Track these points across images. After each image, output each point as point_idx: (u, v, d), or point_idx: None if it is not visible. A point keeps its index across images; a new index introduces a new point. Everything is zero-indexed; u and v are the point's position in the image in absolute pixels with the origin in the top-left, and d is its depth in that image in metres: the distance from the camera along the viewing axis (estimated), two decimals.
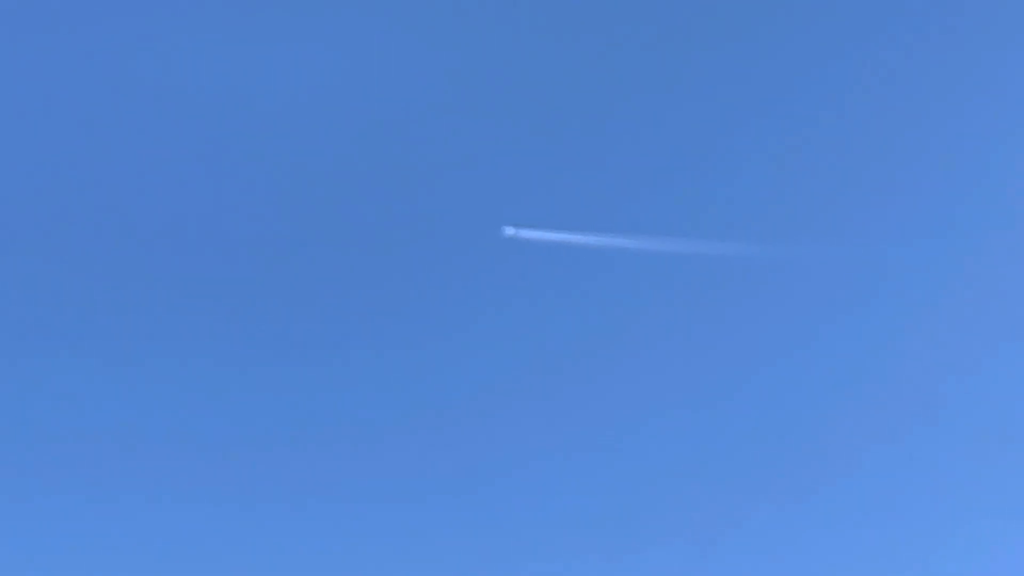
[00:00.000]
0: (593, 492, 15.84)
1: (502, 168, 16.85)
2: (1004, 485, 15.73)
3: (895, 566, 15.39)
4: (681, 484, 15.92)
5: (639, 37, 17.28)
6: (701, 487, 15.91)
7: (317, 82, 16.91)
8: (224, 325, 16.27)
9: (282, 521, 15.59)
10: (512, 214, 16.53)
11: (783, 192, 17.00)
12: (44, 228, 16.44)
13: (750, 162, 17.09)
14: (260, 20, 16.94)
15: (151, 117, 16.74)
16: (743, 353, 16.46)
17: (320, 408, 16.14)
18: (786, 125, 17.22)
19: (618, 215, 16.79)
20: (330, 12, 17.06)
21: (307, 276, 16.51)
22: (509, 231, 16.25)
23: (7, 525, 15.26)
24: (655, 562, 15.41)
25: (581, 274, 16.67)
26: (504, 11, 17.18)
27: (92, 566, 15.11)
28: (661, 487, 15.88)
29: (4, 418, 15.71)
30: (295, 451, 15.86)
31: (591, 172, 16.92)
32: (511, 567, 15.38)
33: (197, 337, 16.21)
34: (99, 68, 16.71)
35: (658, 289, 16.67)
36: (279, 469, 15.76)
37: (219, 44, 16.83)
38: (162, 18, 16.82)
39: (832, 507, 15.80)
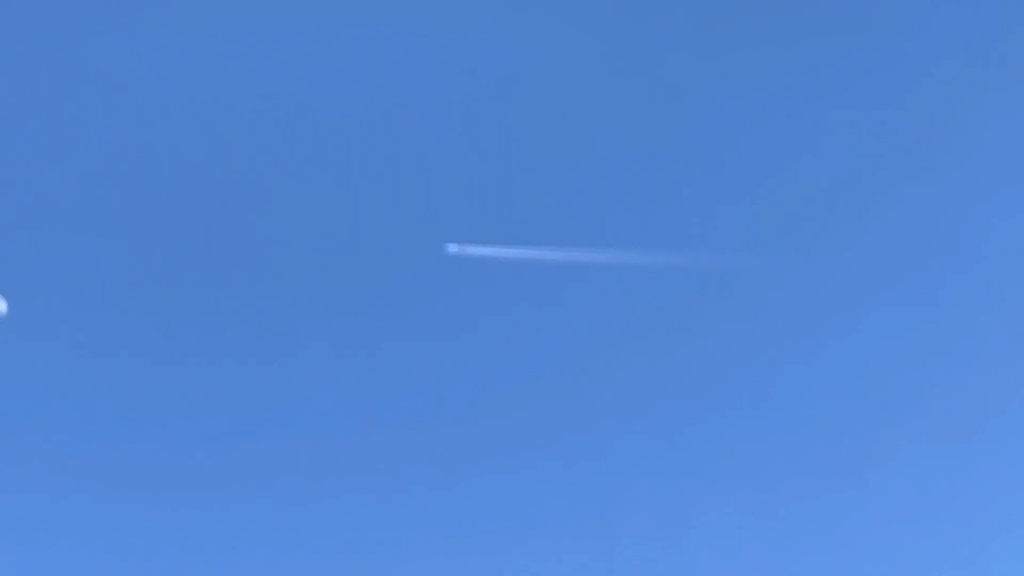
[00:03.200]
0: (567, 498, 15.87)
1: (447, 181, 16.85)
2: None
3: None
4: (661, 489, 15.92)
5: (600, 46, 17.28)
6: (681, 494, 15.92)
7: (261, 88, 16.92)
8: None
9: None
10: (456, 230, 16.51)
11: (742, 201, 16.98)
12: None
13: (706, 171, 17.08)
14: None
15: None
16: (710, 362, 16.49)
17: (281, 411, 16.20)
18: (751, 130, 17.21)
19: (571, 228, 16.79)
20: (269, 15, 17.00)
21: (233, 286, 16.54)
22: (452, 248, 16.16)
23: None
24: (642, 564, 15.48)
25: (533, 289, 16.66)
26: (461, 16, 17.16)
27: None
28: (637, 493, 15.90)
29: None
30: (256, 458, 15.90)
31: (543, 185, 16.91)
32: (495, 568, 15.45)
33: (158, 340, 16.24)
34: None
35: (612, 301, 16.64)
36: (247, 470, 15.82)
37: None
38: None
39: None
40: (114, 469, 15.68)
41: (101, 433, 15.79)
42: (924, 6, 17.38)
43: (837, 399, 16.23)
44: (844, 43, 17.28)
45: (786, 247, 16.85)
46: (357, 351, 16.35)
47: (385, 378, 16.29)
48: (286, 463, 15.85)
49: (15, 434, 15.69)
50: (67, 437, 15.77)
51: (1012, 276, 16.56)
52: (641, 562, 15.41)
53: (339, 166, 16.80)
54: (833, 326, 16.55)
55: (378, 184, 16.80)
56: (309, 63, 16.86)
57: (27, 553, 15.17)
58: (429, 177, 16.78)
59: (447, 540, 15.61)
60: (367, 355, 16.33)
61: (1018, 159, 16.93)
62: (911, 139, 17.15)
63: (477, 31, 17.03)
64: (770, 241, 16.87)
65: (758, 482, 15.88)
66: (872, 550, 15.50)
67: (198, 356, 16.16)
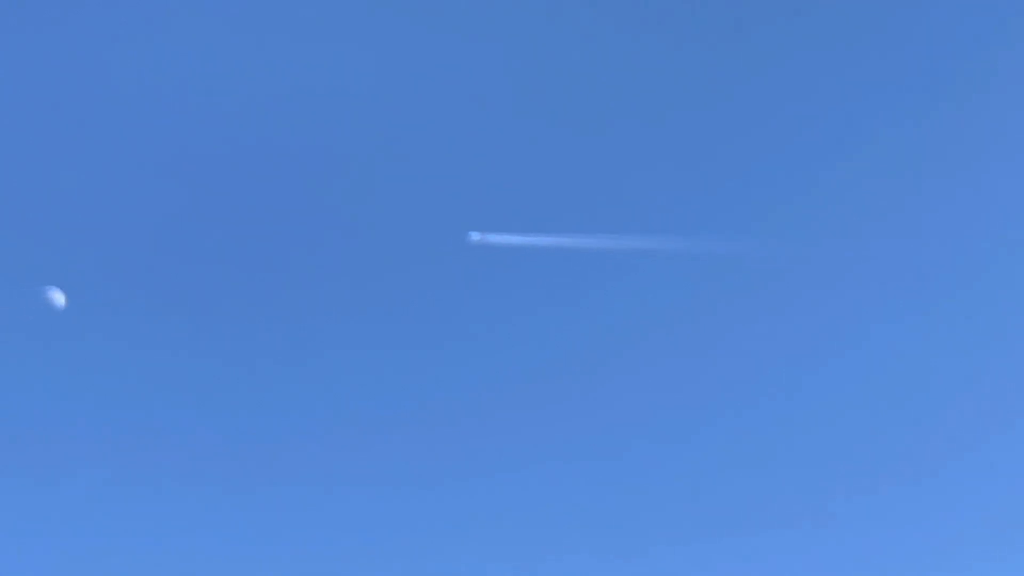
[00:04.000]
0: (583, 495, 15.87)
1: (470, 171, 16.79)
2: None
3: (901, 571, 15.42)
4: (678, 486, 15.94)
5: (613, 38, 17.16)
6: (700, 489, 15.92)
7: (279, 83, 16.85)
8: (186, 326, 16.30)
9: (287, 519, 15.70)
10: (478, 219, 16.45)
11: (761, 189, 16.96)
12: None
13: (721, 159, 17.03)
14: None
15: (135, 115, 16.70)
16: (730, 352, 16.49)
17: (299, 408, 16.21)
18: (766, 122, 17.13)
19: (593, 216, 16.73)
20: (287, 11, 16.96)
21: (275, 279, 16.54)
22: (475, 236, 16.10)
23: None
24: (657, 563, 15.45)
25: (555, 277, 16.64)
26: (477, 10, 17.04)
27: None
28: (656, 489, 15.91)
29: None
30: (274, 452, 15.91)
31: (563, 173, 16.86)
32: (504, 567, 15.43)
33: (172, 338, 16.26)
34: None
35: (633, 288, 16.64)
36: (267, 467, 15.86)
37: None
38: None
39: (840, 509, 15.82)
40: (112, 465, 15.79)
41: (145, 422, 15.95)
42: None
43: (856, 397, 16.27)
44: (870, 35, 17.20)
45: (811, 235, 16.85)
46: (379, 341, 16.43)
47: (408, 369, 16.36)
48: (310, 455, 15.92)
49: (71, 424, 15.82)
50: (114, 426, 15.89)
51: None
52: (665, 560, 15.45)
53: (362, 156, 16.82)
54: (856, 320, 16.57)
55: (400, 174, 16.84)
56: (330, 55, 16.80)
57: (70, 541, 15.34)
58: (451, 167, 16.79)
59: (472, 531, 15.67)
60: (388, 345, 16.40)
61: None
62: (940, 131, 17.12)
63: (501, 21, 16.99)
64: (795, 229, 16.89)
65: (787, 477, 15.93)
66: (888, 545, 15.55)
67: (230, 350, 16.27)
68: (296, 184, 16.68)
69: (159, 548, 15.31)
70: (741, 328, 16.45)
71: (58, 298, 15.49)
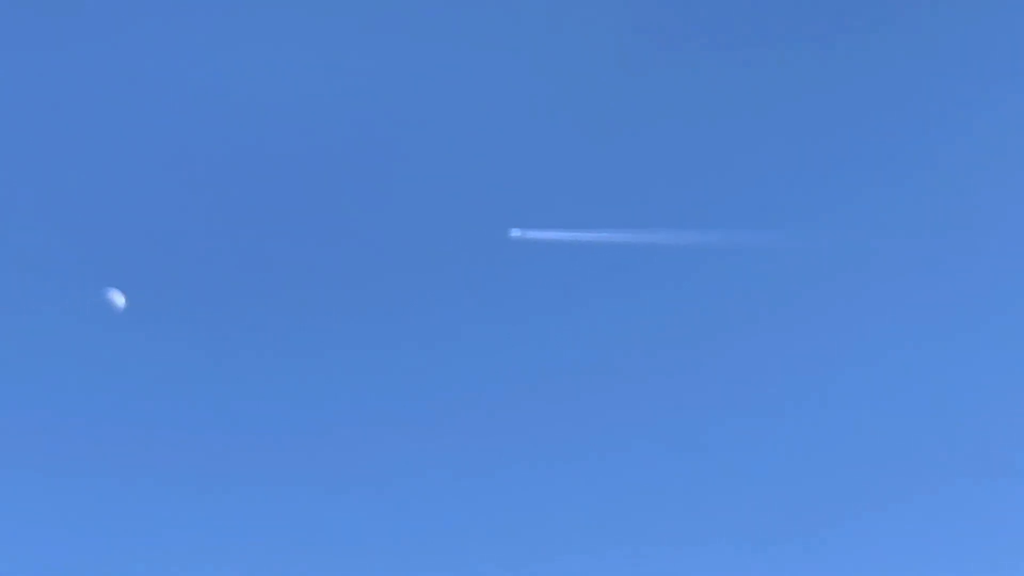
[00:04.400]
0: (609, 492, 15.83)
1: (509, 168, 16.80)
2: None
3: None
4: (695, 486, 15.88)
5: (643, 38, 17.13)
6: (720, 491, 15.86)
7: (324, 83, 16.93)
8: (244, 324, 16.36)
9: (299, 516, 15.77)
10: (519, 215, 16.49)
11: (793, 184, 16.91)
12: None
13: (756, 155, 17.02)
14: (275, 19, 16.93)
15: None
16: (762, 349, 16.41)
17: (327, 404, 16.25)
18: (795, 117, 17.12)
19: (625, 211, 16.71)
20: (344, 10, 17.02)
21: (308, 277, 16.54)
22: (515, 232, 16.09)
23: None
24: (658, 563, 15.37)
25: (591, 273, 16.61)
26: (510, 12, 17.08)
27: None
28: (674, 489, 15.86)
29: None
30: (304, 444, 15.99)
31: (597, 170, 16.86)
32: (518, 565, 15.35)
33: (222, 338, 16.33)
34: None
35: (669, 284, 16.64)
36: (297, 463, 15.94)
37: (229, 43, 16.87)
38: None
39: (846, 510, 15.74)
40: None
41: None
42: None
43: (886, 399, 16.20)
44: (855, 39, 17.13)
45: (854, 229, 16.79)
46: (421, 335, 16.49)
47: (450, 362, 16.42)
48: (353, 446, 16.06)
49: (129, 420, 15.90)
50: (175, 422, 16.02)
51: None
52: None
53: (405, 156, 16.91)
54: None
55: (442, 171, 16.91)
56: (378, 57, 16.95)
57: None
58: (492, 164, 16.88)
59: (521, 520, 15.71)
60: (430, 339, 16.46)
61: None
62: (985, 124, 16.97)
63: (540, 21, 17.10)
64: (837, 222, 16.83)
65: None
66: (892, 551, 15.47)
67: (277, 348, 16.44)
68: (342, 183, 16.84)
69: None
70: (777, 322, 16.46)
71: (118, 300, 15.54)
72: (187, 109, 16.77)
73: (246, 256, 16.52)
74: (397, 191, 16.81)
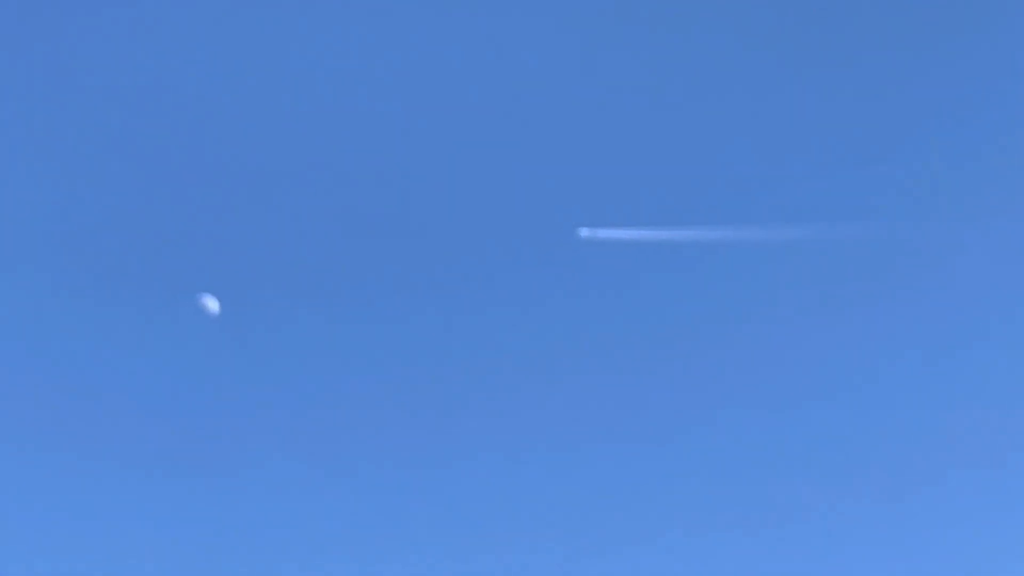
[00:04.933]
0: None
1: (580, 167, 16.96)
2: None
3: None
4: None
5: (722, 25, 17.33)
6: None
7: (392, 81, 17.19)
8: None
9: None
10: (586, 214, 16.62)
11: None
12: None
13: (831, 146, 17.04)
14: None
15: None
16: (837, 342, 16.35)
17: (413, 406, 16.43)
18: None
19: (703, 208, 16.83)
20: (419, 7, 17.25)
21: (378, 275, 16.74)
22: (584, 232, 16.20)
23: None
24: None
25: (666, 271, 16.71)
26: (568, 12, 17.26)
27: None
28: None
29: None
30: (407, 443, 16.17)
31: (673, 166, 16.98)
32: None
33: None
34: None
35: (744, 280, 16.68)
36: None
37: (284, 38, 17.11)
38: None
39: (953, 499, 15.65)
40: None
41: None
42: None
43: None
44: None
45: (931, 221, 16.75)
46: (488, 334, 16.59)
47: (517, 360, 16.49)
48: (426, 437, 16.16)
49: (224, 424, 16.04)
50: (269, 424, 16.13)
51: None
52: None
53: (475, 156, 17.06)
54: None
55: (511, 170, 17.06)
56: (449, 53, 17.19)
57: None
58: (561, 162, 17.04)
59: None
60: (498, 338, 16.55)
61: None
62: None
63: (609, 14, 17.24)
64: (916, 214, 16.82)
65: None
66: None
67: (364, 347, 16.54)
68: (411, 181, 17.03)
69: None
70: (852, 315, 16.43)
71: (212, 305, 15.75)
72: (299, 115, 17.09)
73: (334, 261, 16.78)
74: (465, 192, 17.02)
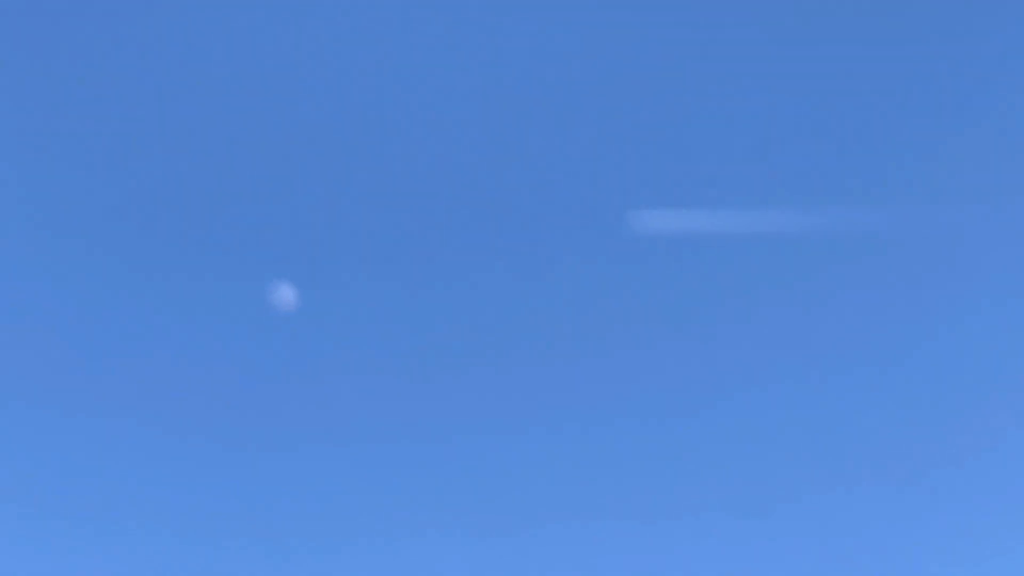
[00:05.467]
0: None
1: (631, 156, 16.90)
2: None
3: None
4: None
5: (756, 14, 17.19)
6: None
7: (441, 76, 17.14)
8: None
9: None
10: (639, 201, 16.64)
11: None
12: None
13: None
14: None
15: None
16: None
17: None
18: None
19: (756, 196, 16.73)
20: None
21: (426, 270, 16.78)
22: (635, 219, 16.27)
23: None
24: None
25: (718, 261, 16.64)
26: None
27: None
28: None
29: None
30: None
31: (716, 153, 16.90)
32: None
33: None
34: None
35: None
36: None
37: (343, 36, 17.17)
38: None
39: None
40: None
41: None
42: None
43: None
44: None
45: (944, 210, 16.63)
46: (539, 324, 16.55)
47: (566, 350, 16.44)
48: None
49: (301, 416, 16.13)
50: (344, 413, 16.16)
51: None
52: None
53: (524, 145, 17.00)
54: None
55: (561, 158, 17.00)
56: (499, 42, 17.14)
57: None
58: (612, 152, 16.94)
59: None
60: (548, 328, 16.53)
61: None
62: None
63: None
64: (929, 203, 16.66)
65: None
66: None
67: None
68: (463, 168, 16.99)
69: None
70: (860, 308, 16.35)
71: (287, 295, 15.78)
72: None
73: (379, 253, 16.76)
74: (514, 181, 16.96)
